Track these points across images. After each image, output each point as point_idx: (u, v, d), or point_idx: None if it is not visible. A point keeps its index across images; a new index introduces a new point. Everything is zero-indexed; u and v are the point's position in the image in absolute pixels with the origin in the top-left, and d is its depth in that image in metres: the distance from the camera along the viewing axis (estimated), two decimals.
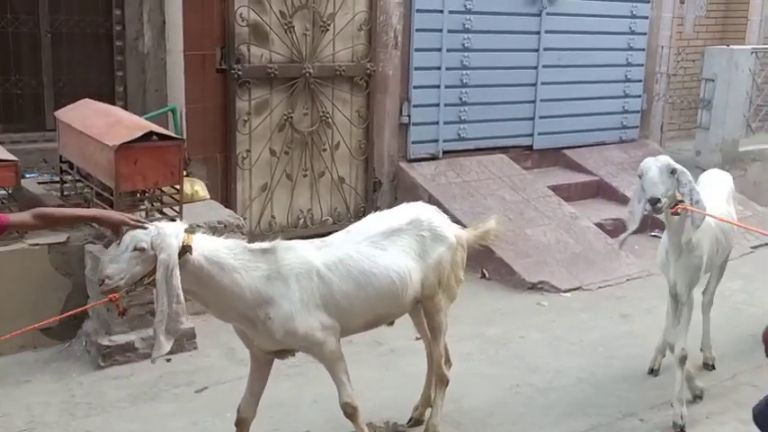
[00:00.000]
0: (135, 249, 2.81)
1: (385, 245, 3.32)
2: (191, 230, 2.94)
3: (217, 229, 5.06)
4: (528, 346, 4.88)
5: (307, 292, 3.09)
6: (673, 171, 3.72)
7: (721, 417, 4.05)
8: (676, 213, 3.76)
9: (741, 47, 8.49)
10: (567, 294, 5.80)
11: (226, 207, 5.53)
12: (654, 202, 3.69)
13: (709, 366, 4.57)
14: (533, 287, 5.83)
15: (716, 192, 4.36)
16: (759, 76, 8.55)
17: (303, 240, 3.30)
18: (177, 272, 2.81)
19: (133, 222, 2.89)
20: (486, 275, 6.08)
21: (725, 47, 8.40)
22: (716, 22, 10.29)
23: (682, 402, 3.91)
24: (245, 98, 5.95)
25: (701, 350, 4.61)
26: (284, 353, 3.26)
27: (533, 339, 4.99)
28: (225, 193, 5.96)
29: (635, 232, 4.07)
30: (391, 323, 3.60)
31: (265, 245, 3.13)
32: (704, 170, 8.11)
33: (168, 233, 2.84)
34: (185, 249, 2.85)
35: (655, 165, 3.75)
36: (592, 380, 4.39)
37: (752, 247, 6.92)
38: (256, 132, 6.07)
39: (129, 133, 4.33)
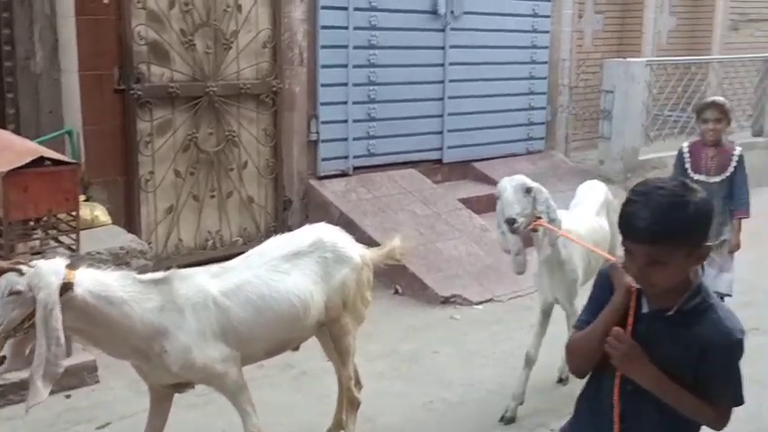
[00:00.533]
0: (11, 294, 2.63)
1: (286, 268, 3.25)
2: (72, 266, 2.78)
3: (119, 256, 4.88)
4: (441, 362, 4.88)
5: (203, 321, 2.98)
6: (528, 190, 3.75)
7: None
8: (534, 230, 3.82)
9: (637, 59, 8.84)
10: (480, 307, 5.85)
11: (129, 232, 5.33)
12: (510, 222, 3.71)
13: (559, 379, 4.54)
14: (446, 301, 5.86)
15: (587, 204, 4.44)
16: (654, 86, 8.91)
17: (199, 267, 3.19)
18: (57, 312, 2.64)
19: (7, 266, 2.70)
20: (399, 291, 6.08)
21: (622, 59, 8.73)
22: (613, 36, 10.70)
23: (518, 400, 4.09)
24: (146, 119, 5.78)
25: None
26: (182, 386, 3.14)
27: (446, 354, 5.00)
28: (128, 218, 5.76)
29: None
30: (296, 348, 3.53)
31: (158, 275, 3.01)
32: (608, 179, 8.48)
33: (45, 271, 2.67)
34: (67, 286, 2.69)
35: (509, 185, 3.77)
36: (504, 392, 4.41)
37: None
38: (160, 153, 5.90)
39: (17, 159, 4.11)
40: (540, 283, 4.15)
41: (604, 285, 2.12)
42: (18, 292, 2.63)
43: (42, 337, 2.64)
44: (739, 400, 2.06)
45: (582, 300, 3.95)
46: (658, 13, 10.81)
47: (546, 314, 4.19)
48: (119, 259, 4.85)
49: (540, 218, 3.79)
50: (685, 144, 4.91)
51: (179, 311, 2.94)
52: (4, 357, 2.98)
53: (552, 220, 3.79)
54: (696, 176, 4.62)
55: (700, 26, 11.78)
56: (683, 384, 2.00)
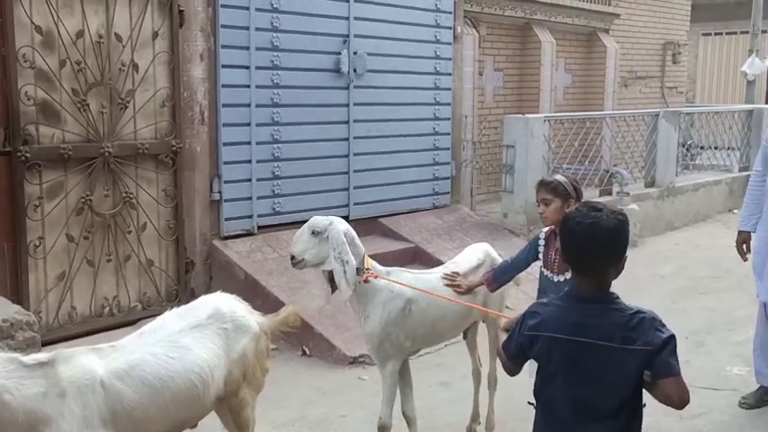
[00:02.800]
0: None
1: (185, 343, 3.08)
2: None
3: (3, 329, 4.55)
4: (349, 426, 4.74)
5: (89, 407, 2.75)
6: (314, 232, 3.84)
7: None
8: (366, 281, 3.83)
9: (535, 115, 9.13)
10: None
11: (15, 302, 4.99)
12: (291, 257, 3.88)
13: None
14: (354, 361, 5.74)
15: (461, 261, 4.34)
16: (553, 141, 9.21)
17: (86, 347, 2.98)
18: None
19: None
20: (307, 352, 5.92)
21: (521, 115, 8.99)
22: (513, 92, 11.06)
23: None
24: (35, 182, 5.50)
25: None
26: None
27: (355, 417, 4.86)
28: (14, 287, 5.41)
29: None
30: (194, 426, 3.34)
31: (43, 357, 2.78)
32: (512, 231, 8.63)
33: None
34: None
35: (307, 224, 3.92)
36: None
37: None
38: (50, 217, 5.61)
39: None
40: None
41: None
42: None
43: None
44: None
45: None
46: (554, 70, 11.26)
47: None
48: (2, 332, 4.52)
49: (368, 269, 3.85)
50: (543, 231, 4.04)
51: (62, 397, 2.71)
52: None
53: (346, 263, 3.76)
54: (546, 273, 3.94)
55: (593, 83, 12.35)
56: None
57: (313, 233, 3.84)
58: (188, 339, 3.12)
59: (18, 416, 2.63)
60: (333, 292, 3.99)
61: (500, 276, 4.13)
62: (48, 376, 2.73)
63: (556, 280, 3.84)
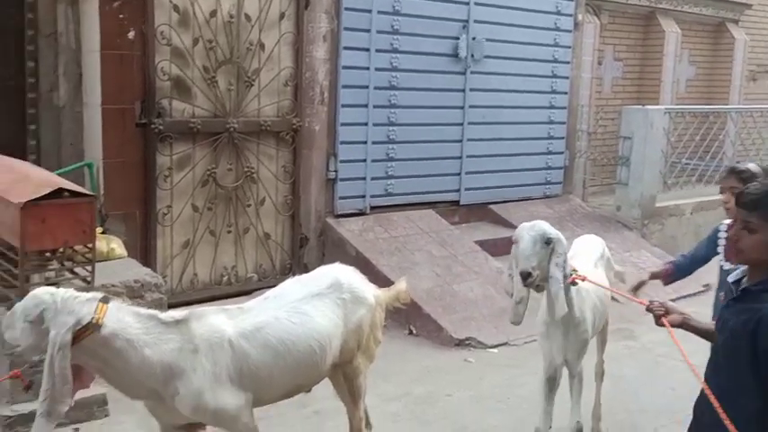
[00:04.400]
0: (24, 321, 2.62)
1: (306, 310, 3.20)
2: (105, 300, 2.75)
3: (133, 289, 4.87)
4: (455, 405, 4.79)
5: (219, 364, 2.91)
6: (547, 241, 3.42)
7: None
8: (574, 283, 3.52)
9: (655, 107, 8.84)
10: (494, 350, 5.77)
11: (144, 265, 5.32)
12: (525, 276, 3.38)
13: None
14: (460, 343, 5.78)
15: (584, 257, 4.11)
16: (672, 134, 8.89)
17: (216, 307, 3.15)
18: (67, 352, 2.61)
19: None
20: (414, 332, 6.00)
21: (640, 106, 8.72)
22: (632, 83, 10.74)
23: None
24: (166, 153, 5.82)
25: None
26: (194, 427, 3.08)
27: (460, 397, 4.91)
28: (144, 251, 5.76)
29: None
30: (308, 390, 3.47)
31: (178, 315, 2.96)
32: (625, 225, 8.41)
33: (62, 309, 2.64)
34: (92, 326, 2.66)
35: (528, 234, 3.42)
36: None
37: (671, 300, 7.04)
38: (178, 188, 5.92)
39: (36, 190, 4.12)
40: (550, 345, 3.76)
41: None
42: (31, 323, 2.62)
43: (49, 374, 2.61)
44: None
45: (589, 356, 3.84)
46: (677, 61, 10.85)
47: (552, 382, 3.81)
48: (133, 292, 4.83)
49: (574, 271, 3.54)
50: (724, 223, 3.79)
51: (195, 352, 2.88)
52: (31, 384, 2.93)
53: (565, 276, 3.47)
54: (726, 266, 3.70)
55: (718, 76, 11.82)
56: (741, 356, 2.37)
57: (547, 242, 3.41)
58: (309, 307, 3.23)
59: (156, 369, 2.82)
60: (517, 299, 3.57)
61: (679, 271, 3.97)
62: (182, 333, 2.90)
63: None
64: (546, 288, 3.52)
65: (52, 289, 2.76)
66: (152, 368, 2.81)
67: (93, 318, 2.67)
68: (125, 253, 5.28)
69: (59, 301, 2.67)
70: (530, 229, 3.45)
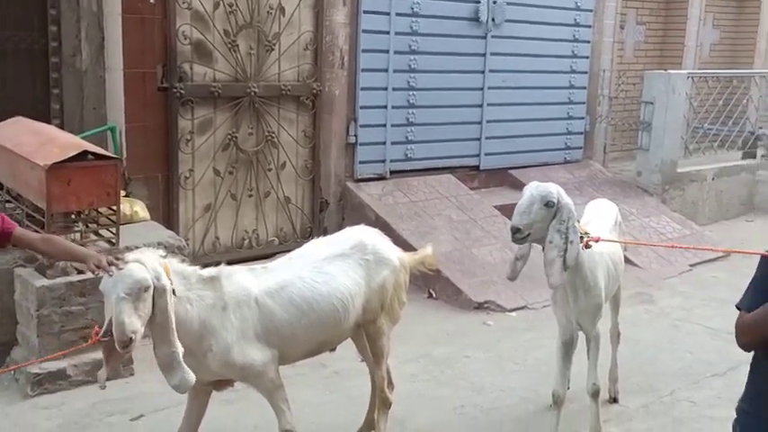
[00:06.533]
0: (141, 290, 2.65)
1: (329, 270, 3.26)
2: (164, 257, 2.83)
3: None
4: (473, 366, 4.86)
5: (246, 321, 2.99)
6: (549, 204, 3.38)
7: None
8: (588, 246, 3.48)
9: (678, 71, 8.72)
10: (513, 314, 5.81)
11: (167, 228, 5.40)
12: (513, 230, 3.38)
13: (611, 399, 4.37)
14: (479, 306, 5.83)
15: (598, 222, 4.08)
16: (695, 99, 8.79)
17: (243, 266, 3.21)
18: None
19: (105, 264, 2.67)
20: (433, 295, 6.06)
21: (663, 71, 8.61)
22: (654, 48, 10.59)
23: None
24: (187, 117, 5.85)
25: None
26: (222, 383, 3.17)
27: (479, 359, 4.97)
28: (166, 214, 5.83)
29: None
30: (333, 349, 3.54)
31: (211, 271, 3.02)
32: (646, 191, 8.38)
33: (153, 261, 2.74)
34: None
35: (531, 191, 3.41)
36: (536, 399, 4.39)
37: (690, 265, 7.06)
38: (199, 152, 5.97)
39: (61, 152, 4.19)
40: (563, 309, 3.77)
41: None
42: (147, 288, 2.66)
43: (172, 330, 2.72)
44: None
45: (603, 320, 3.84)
46: (701, 25, 10.67)
47: (568, 346, 3.83)
48: None
49: (587, 233, 3.52)
50: None
51: (224, 309, 2.96)
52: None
53: (571, 243, 3.42)
54: None
55: (743, 40, 11.61)
56: None
57: (547, 204, 3.38)
58: (332, 267, 3.29)
59: (194, 325, 2.89)
60: (517, 254, 3.66)
61: None
62: (215, 289, 2.98)
63: None
64: (545, 252, 3.50)
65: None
66: (191, 324, 2.89)
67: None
68: (148, 216, 5.36)
69: (147, 260, 2.75)
70: (534, 188, 3.44)
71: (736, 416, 2.46)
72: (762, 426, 2.37)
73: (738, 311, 2.39)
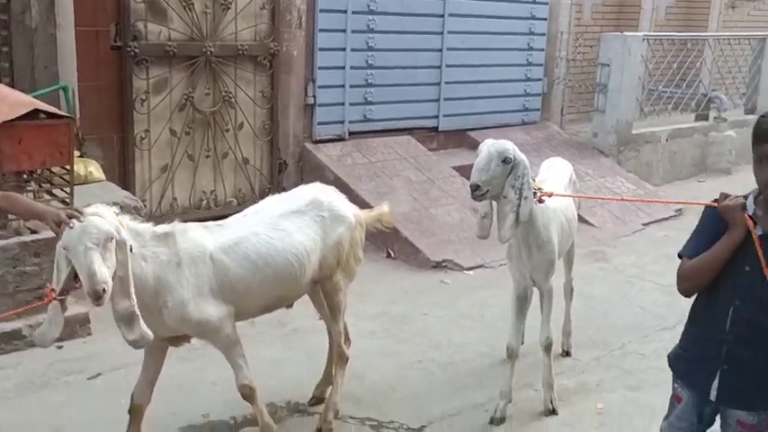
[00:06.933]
0: (107, 240, 2.61)
1: (284, 226, 3.27)
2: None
3: None
4: (431, 323, 4.95)
5: (201, 277, 3.00)
6: (506, 160, 3.41)
7: (611, 384, 4.23)
8: (541, 201, 3.56)
9: (634, 33, 8.82)
10: (471, 272, 5.91)
11: (123, 189, 5.35)
12: (473, 188, 3.42)
13: (564, 353, 4.51)
14: (437, 265, 5.91)
15: (553, 179, 4.13)
16: (650, 61, 8.91)
17: (197, 223, 3.21)
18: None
19: (65, 217, 2.62)
20: (392, 255, 6.13)
21: (619, 33, 8.71)
22: (611, 10, 10.66)
23: (551, 387, 3.93)
24: (142, 76, 5.76)
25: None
26: (179, 339, 3.18)
27: (436, 316, 5.06)
28: (122, 175, 5.77)
29: None
30: (290, 305, 3.57)
31: (166, 228, 3.02)
32: (601, 152, 8.51)
33: (110, 215, 2.73)
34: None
35: (487, 149, 3.43)
36: (491, 354, 4.50)
37: (643, 224, 7.24)
38: (155, 112, 5.89)
39: (11, 111, 4.11)
40: (517, 265, 3.84)
41: (715, 219, 2.41)
42: (113, 238, 2.63)
43: (131, 284, 2.71)
44: None
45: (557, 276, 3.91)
46: None
47: (522, 300, 3.90)
48: None
49: (540, 189, 3.57)
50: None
51: (179, 266, 2.96)
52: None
53: (525, 198, 3.47)
54: None
55: (698, 3, 11.75)
56: None
57: (504, 161, 3.40)
58: (287, 223, 3.31)
59: (149, 281, 2.89)
60: (482, 213, 3.69)
61: None
62: (170, 246, 2.98)
63: None
64: (499, 207, 3.55)
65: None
66: (146, 281, 2.88)
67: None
68: (103, 176, 5.30)
69: (108, 214, 2.74)
70: (491, 145, 3.46)
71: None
72: (693, 362, 2.53)
73: (680, 259, 2.48)
